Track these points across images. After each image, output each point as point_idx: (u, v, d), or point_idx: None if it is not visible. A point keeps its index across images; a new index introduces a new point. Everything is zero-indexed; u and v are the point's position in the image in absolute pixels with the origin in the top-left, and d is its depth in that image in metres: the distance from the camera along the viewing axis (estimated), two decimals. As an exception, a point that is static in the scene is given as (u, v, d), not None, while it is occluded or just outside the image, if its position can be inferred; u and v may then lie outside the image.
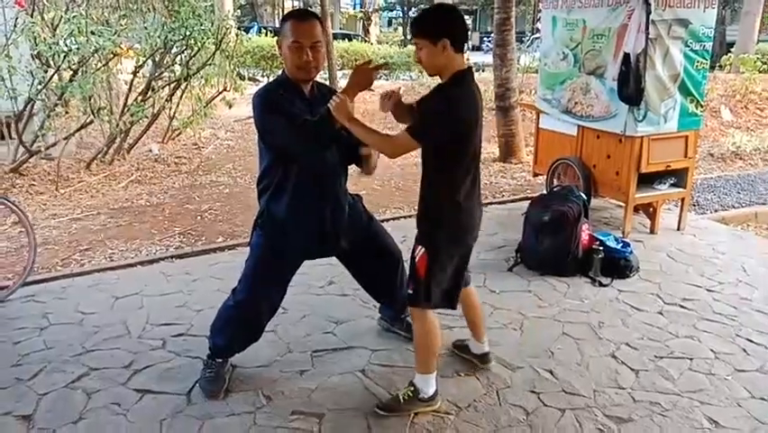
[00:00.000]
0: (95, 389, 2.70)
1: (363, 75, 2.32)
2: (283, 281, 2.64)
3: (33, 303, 3.51)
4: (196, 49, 6.89)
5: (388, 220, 4.95)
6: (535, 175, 5.69)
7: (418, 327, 2.52)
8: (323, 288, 3.71)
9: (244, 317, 2.62)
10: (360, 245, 2.71)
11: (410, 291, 2.47)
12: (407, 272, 2.55)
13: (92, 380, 2.77)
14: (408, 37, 21.55)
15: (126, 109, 6.46)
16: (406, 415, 2.52)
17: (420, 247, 2.44)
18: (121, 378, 2.78)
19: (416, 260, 2.43)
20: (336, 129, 2.30)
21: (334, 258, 2.80)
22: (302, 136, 2.32)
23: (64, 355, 2.96)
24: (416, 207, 2.49)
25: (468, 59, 16.08)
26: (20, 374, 2.81)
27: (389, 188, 6.12)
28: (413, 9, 32.98)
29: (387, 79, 14.50)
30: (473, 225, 2.50)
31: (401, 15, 34.11)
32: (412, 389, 2.55)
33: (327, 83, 10.78)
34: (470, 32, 32.05)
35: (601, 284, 3.85)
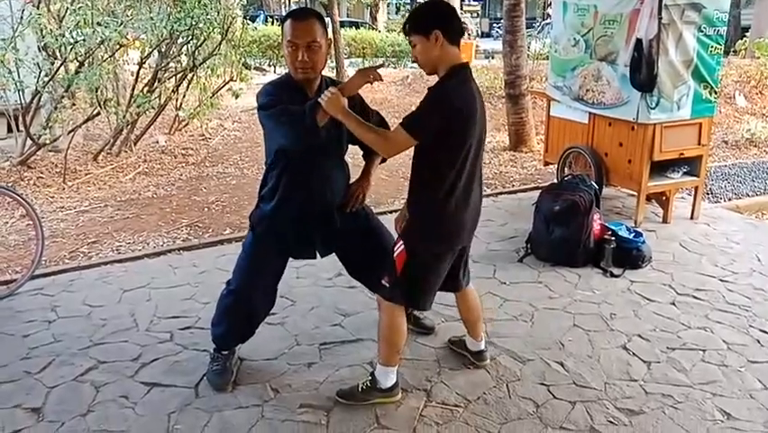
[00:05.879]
0: (103, 382, 2.71)
1: (360, 75, 2.35)
2: (272, 274, 2.66)
3: (41, 296, 3.52)
4: (202, 39, 6.85)
5: (395, 211, 4.90)
6: (546, 164, 5.62)
7: (385, 320, 2.48)
8: (331, 279, 3.69)
9: (238, 305, 2.65)
10: (356, 242, 2.70)
11: (385, 284, 2.44)
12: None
13: (100, 373, 2.78)
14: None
15: (133, 100, 6.44)
16: (365, 404, 2.52)
17: (401, 243, 2.42)
18: (129, 371, 2.79)
19: (395, 255, 2.41)
20: (317, 123, 2.26)
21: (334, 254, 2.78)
22: (285, 122, 2.31)
23: (72, 348, 2.97)
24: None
25: (477, 46, 15.91)
26: (29, 367, 2.82)
27: (397, 179, 6.06)
28: (420, -4, 32.69)
29: (395, 67, 14.39)
30: (462, 227, 2.42)
31: (409, 2, 33.80)
32: (370, 379, 2.56)
33: (335, 72, 10.73)
34: (479, 19, 31.81)
35: (613, 275, 3.80)
